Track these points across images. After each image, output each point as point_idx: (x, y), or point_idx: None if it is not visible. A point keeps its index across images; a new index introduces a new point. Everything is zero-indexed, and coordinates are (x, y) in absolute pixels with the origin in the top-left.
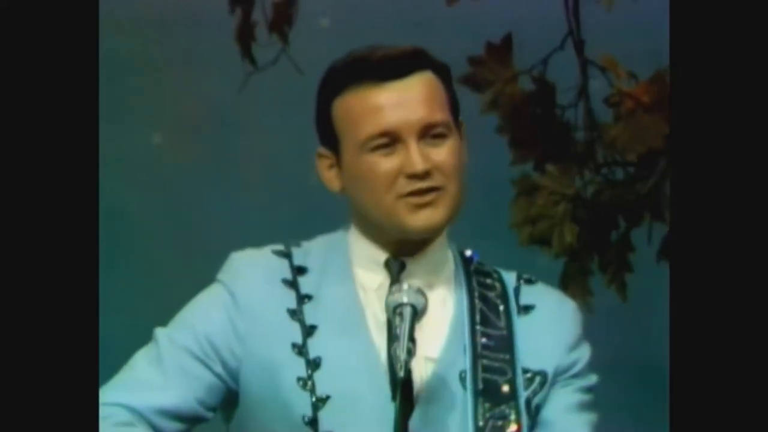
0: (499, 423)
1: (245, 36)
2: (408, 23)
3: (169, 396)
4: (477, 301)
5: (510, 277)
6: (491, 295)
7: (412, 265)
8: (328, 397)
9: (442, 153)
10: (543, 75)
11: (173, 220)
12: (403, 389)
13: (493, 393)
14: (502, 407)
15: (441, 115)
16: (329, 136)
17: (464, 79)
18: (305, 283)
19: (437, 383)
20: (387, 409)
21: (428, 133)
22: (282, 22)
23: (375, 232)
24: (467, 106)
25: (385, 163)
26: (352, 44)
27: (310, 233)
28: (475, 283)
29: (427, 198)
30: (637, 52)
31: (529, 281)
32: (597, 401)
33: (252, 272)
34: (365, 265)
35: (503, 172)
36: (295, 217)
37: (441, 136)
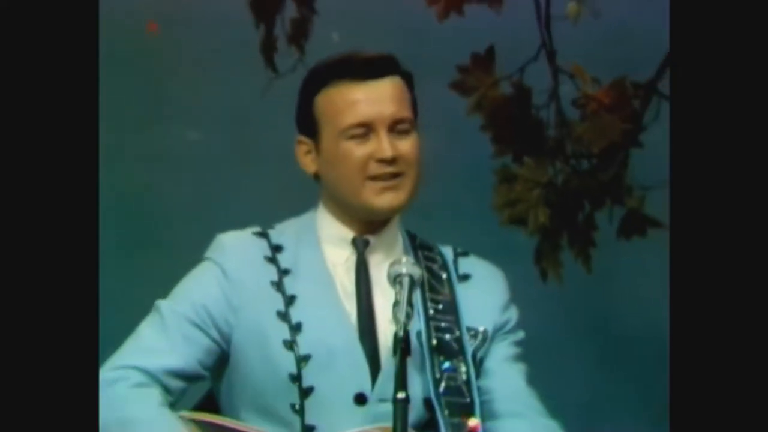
0: (453, 374)
1: (268, 48)
2: (406, 37)
3: (175, 358)
4: (425, 270)
5: (447, 251)
6: (435, 266)
7: (374, 242)
8: (309, 356)
9: (407, 145)
10: (520, 81)
11: (203, 208)
12: (402, 344)
13: (445, 349)
14: (453, 361)
15: (407, 112)
16: (309, 126)
17: (453, 85)
18: (283, 259)
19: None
20: (359, 364)
21: (396, 127)
22: (299, 36)
23: (343, 213)
24: (456, 108)
25: (359, 150)
26: None
27: None
28: (420, 256)
29: (391, 183)
30: (600, 61)
31: (463, 254)
32: (563, 356)
33: (238, 250)
34: (333, 242)
35: (487, 163)
36: (310, 206)
37: (406, 131)
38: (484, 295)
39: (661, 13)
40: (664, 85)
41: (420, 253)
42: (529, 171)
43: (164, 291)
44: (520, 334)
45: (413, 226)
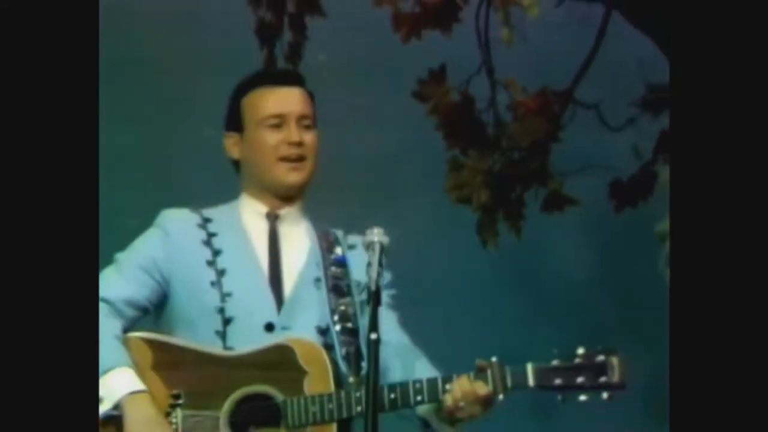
0: (343, 308)
1: (269, 65)
2: (377, 57)
3: (129, 291)
4: (322, 240)
5: (338, 232)
6: (330, 237)
7: (282, 216)
8: (230, 293)
9: (308, 136)
10: (466, 90)
11: (218, 190)
12: (374, 296)
13: (338, 291)
14: (345, 299)
15: (309, 112)
16: (236, 123)
17: (414, 94)
18: (211, 227)
19: (301, 284)
20: (268, 301)
21: (301, 121)
22: (294, 56)
23: (260, 192)
24: (418, 113)
25: (274, 136)
26: (340, 71)
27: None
28: (320, 231)
29: (296, 164)
30: (528, 75)
31: (349, 232)
32: (498, 303)
33: (177, 218)
34: (251, 214)
35: (440, 155)
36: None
37: (308, 127)
38: (365, 260)
39: (574, 38)
40: (578, 94)
41: (317, 229)
42: (473, 161)
43: None
44: (392, 291)
45: (382, 203)
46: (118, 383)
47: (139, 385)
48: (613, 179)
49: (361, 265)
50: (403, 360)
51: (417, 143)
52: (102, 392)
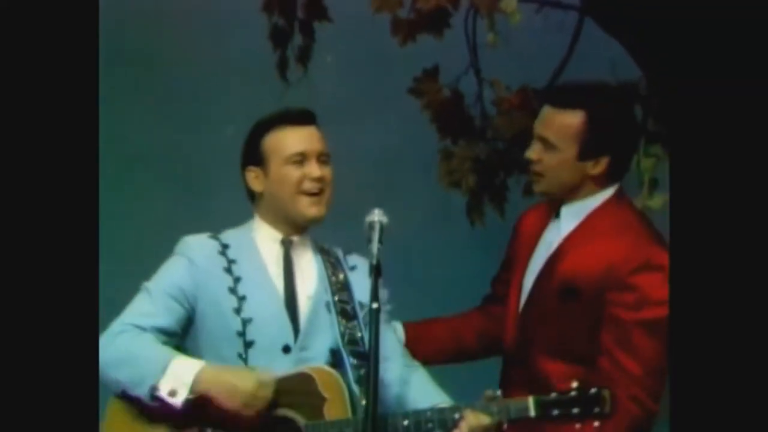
0: (350, 332)
1: (282, 66)
2: (377, 58)
3: (162, 320)
4: (327, 263)
5: (338, 250)
6: (333, 259)
7: (296, 242)
8: (251, 319)
9: (326, 170)
10: (456, 88)
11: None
12: (375, 270)
13: (346, 314)
14: (352, 322)
15: (326, 149)
16: (257, 159)
17: (410, 91)
18: (230, 253)
19: (314, 309)
20: (285, 325)
21: (320, 157)
22: (304, 58)
23: (277, 220)
24: (414, 107)
25: (297, 172)
26: (345, 71)
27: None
28: (324, 254)
29: (316, 198)
30: (510, 74)
31: (348, 252)
32: (484, 278)
33: (199, 246)
34: (266, 241)
35: (433, 145)
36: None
37: (326, 162)
38: (365, 280)
39: (551, 41)
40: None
41: (322, 252)
42: (462, 150)
43: None
44: (388, 307)
45: (383, 187)
46: (182, 370)
47: (199, 363)
48: None
49: (361, 286)
50: (408, 379)
51: (413, 134)
52: (172, 386)
